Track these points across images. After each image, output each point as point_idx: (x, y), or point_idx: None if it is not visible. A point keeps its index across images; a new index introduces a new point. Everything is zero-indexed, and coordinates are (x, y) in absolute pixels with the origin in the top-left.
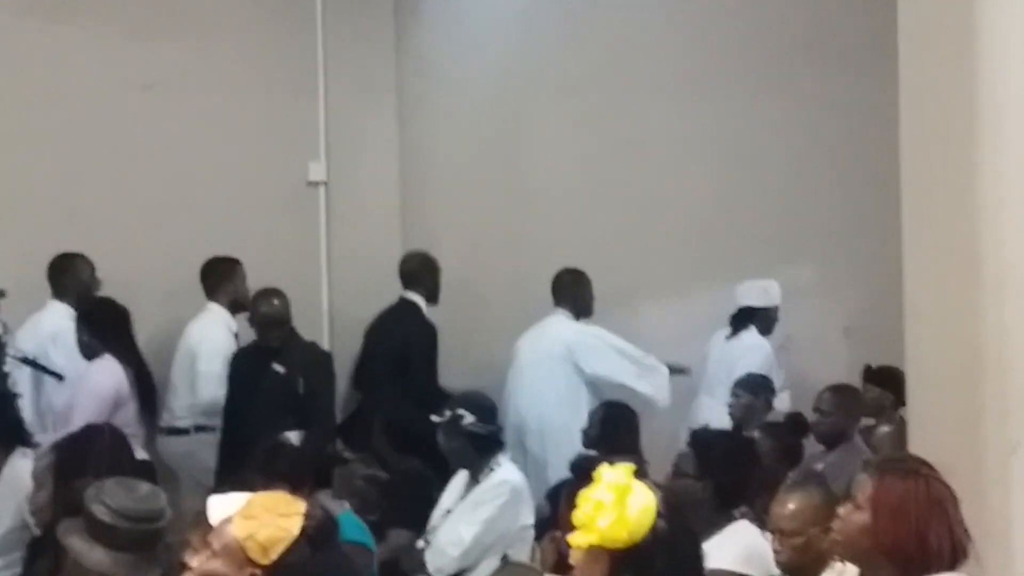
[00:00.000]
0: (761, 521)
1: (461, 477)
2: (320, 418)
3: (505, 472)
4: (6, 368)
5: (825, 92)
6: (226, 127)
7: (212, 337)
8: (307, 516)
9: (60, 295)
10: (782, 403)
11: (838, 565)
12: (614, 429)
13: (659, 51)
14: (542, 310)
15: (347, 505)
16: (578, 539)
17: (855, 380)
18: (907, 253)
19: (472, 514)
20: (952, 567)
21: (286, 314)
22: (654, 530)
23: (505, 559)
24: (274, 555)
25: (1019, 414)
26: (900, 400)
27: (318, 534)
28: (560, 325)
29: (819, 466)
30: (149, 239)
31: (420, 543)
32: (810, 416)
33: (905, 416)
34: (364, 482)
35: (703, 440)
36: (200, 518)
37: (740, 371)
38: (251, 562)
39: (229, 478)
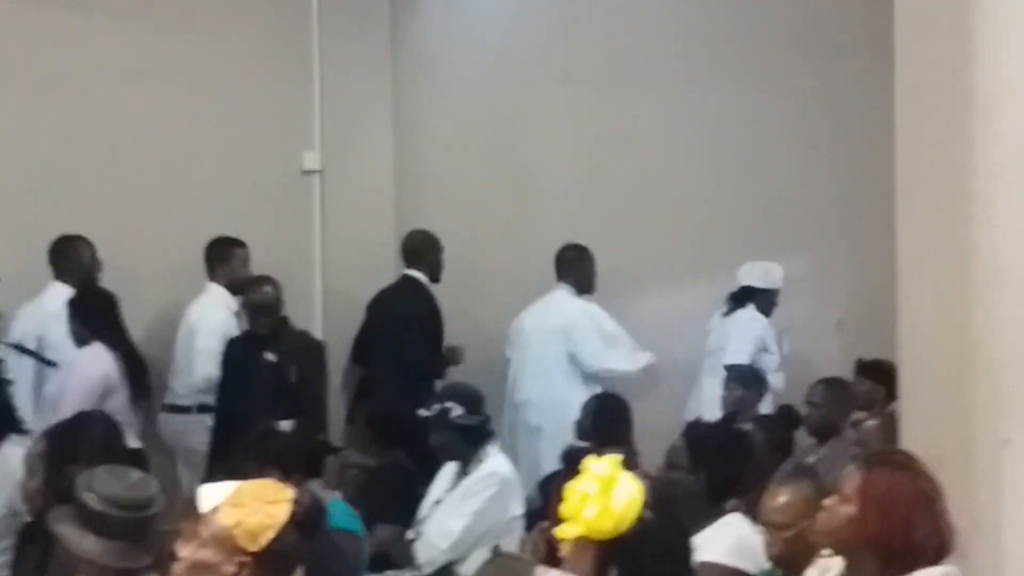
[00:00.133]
0: (752, 514)
1: (450, 467)
2: (311, 407)
3: (494, 463)
4: None
5: (821, 85)
6: (221, 116)
7: (210, 316)
8: (295, 502)
9: (61, 276)
10: (778, 381)
11: (823, 561)
12: (607, 420)
13: (655, 42)
14: (537, 297)
15: (338, 494)
16: (565, 531)
17: (847, 373)
18: (900, 247)
19: (461, 506)
20: (937, 561)
21: (276, 302)
22: (640, 521)
23: (495, 550)
24: (263, 541)
25: (1011, 409)
26: (892, 394)
27: (306, 520)
28: (563, 301)
29: (810, 459)
30: (144, 228)
31: (410, 534)
32: (802, 409)
33: (897, 410)
34: (356, 470)
35: (696, 433)
36: (191, 507)
37: (735, 342)
38: (240, 549)
39: (220, 465)
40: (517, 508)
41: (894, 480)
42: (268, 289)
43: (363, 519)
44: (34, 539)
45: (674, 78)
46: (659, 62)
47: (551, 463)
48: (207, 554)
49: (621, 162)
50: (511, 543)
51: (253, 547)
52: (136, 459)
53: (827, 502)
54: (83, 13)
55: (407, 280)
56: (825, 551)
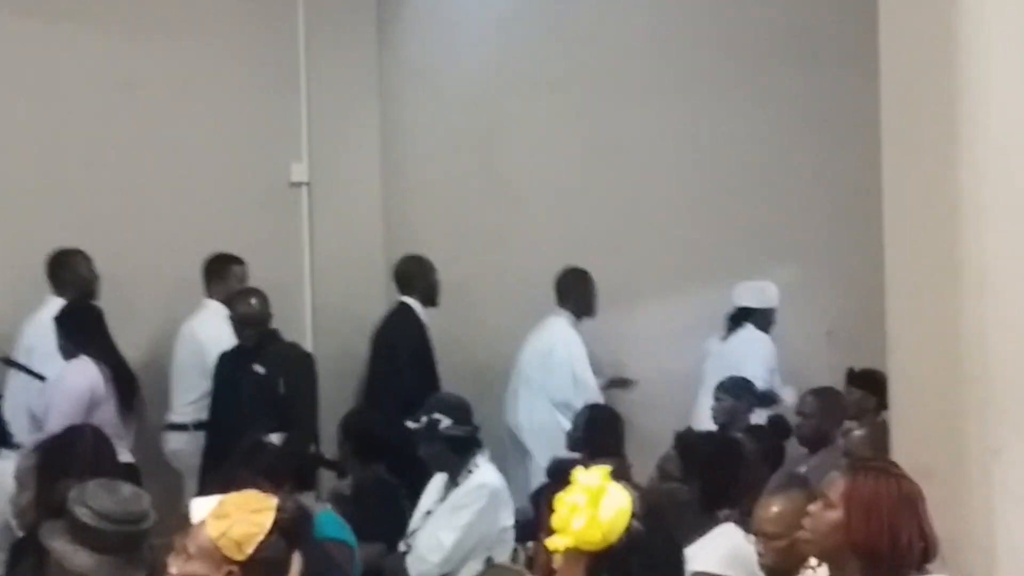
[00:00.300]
0: (746, 524)
1: (440, 478)
2: (301, 419)
3: (483, 475)
4: None
5: (807, 93)
6: (208, 128)
7: (217, 332)
8: (279, 510)
9: (60, 290)
10: (789, 396)
11: (809, 572)
12: (598, 432)
13: (641, 52)
14: (525, 309)
15: (328, 505)
16: (555, 542)
17: (838, 383)
18: (888, 256)
19: (452, 519)
20: (922, 566)
21: (262, 314)
22: (629, 532)
23: (489, 561)
24: (249, 550)
25: (1000, 418)
26: (882, 403)
27: (292, 527)
28: (554, 328)
29: (802, 469)
30: (130, 240)
31: (401, 546)
32: (793, 419)
33: (887, 419)
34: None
35: (687, 441)
36: (183, 521)
37: (747, 366)
38: (227, 560)
39: (212, 479)
40: (508, 519)
41: (879, 485)
42: (254, 301)
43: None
44: (26, 554)
45: (662, 87)
46: (647, 71)
47: (540, 473)
48: (195, 567)
49: (608, 171)
50: (502, 554)
51: (239, 556)
52: (128, 473)
53: (812, 508)
54: (70, 25)
55: (399, 307)
56: (812, 561)
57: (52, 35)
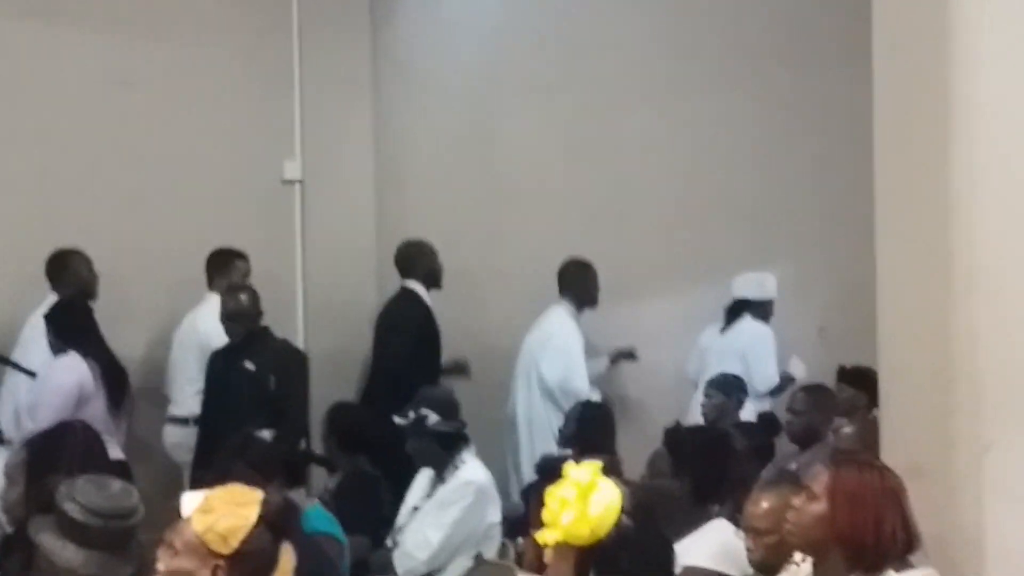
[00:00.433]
0: (735, 520)
1: (426, 473)
2: (291, 415)
3: (470, 471)
4: None
5: (799, 92)
6: (202, 126)
7: (218, 326)
8: (264, 503)
9: (59, 290)
10: (798, 369)
11: (793, 567)
12: (590, 428)
13: (634, 50)
14: (518, 306)
15: (317, 501)
16: (545, 536)
17: (829, 380)
18: (880, 253)
19: (439, 516)
20: (904, 556)
21: (250, 310)
22: (618, 527)
23: (479, 557)
24: (235, 543)
25: (991, 414)
26: (874, 400)
27: (277, 520)
28: (554, 320)
29: (792, 466)
30: (123, 238)
31: (388, 542)
32: (784, 416)
33: (878, 416)
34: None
35: (677, 437)
36: (173, 516)
37: (753, 359)
38: (214, 554)
39: (203, 474)
40: (495, 515)
41: (862, 477)
42: (243, 297)
43: None
44: (15, 549)
45: (654, 86)
46: (640, 70)
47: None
48: (182, 562)
49: (600, 169)
50: (490, 549)
51: (225, 550)
52: (118, 470)
53: (796, 502)
54: (63, 24)
55: (403, 292)
56: (797, 556)
57: (46, 33)
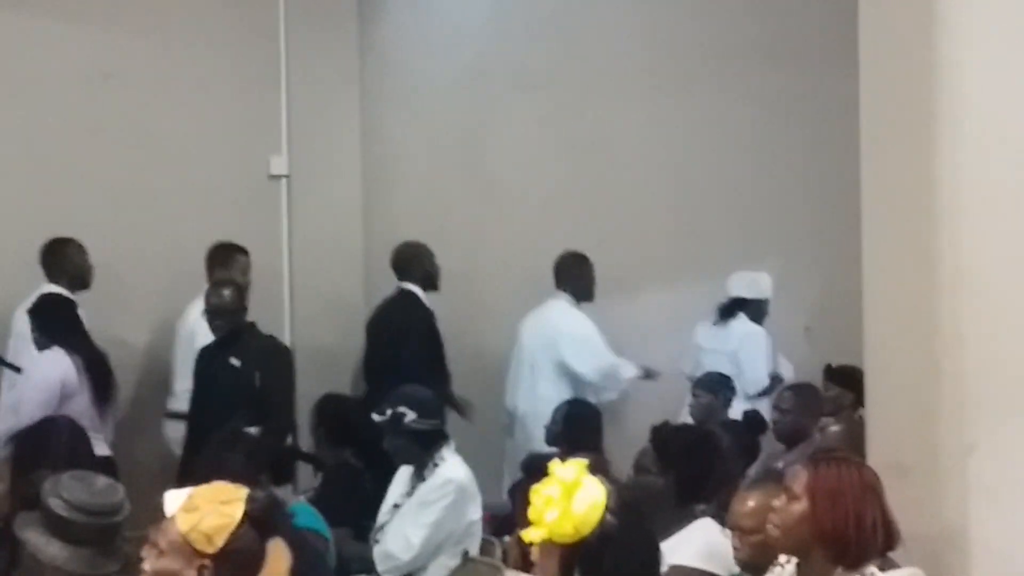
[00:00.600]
0: (721, 518)
1: (406, 470)
2: (277, 412)
3: (449, 469)
4: None
5: (786, 91)
6: (188, 120)
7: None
8: (249, 500)
9: (54, 279)
10: (783, 368)
11: (778, 569)
12: (577, 426)
13: (624, 48)
14: (506, 303)
15: (302, 497)
16: (530, 534)
17: (815, 379)
18: (866, 253)
19: (419, 516)
20: (885, 552)
21: (233, 305)
22: (602, 526)
23: (465, 555)
24: (220, 542)
25: (976, 414)
26: (860, 399)
27: (262, 517)
28: (557, 311)
29: (779, 464)
30: (108, 233)
31: (370, 540)
32: (770, 415)
33: (864, 415)
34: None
35: (662, 435)
36: (159, 514)
37: (744, 360)
38: (199, 553)
39: (188, 471)
40: (475, 512)
41: (841, 473)
42: (226, 292)
43: None
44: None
45: (643, 85)
46: (628, 69)
47: None
48: (167, 563)
49: (589, 168)
50: (472, 547)
51: (211, 549)
52: (103, 465)
53: (776, 503)
54: (49, 18)
55: (401, 293)
56: (781, 558)
57: (31, 27)
